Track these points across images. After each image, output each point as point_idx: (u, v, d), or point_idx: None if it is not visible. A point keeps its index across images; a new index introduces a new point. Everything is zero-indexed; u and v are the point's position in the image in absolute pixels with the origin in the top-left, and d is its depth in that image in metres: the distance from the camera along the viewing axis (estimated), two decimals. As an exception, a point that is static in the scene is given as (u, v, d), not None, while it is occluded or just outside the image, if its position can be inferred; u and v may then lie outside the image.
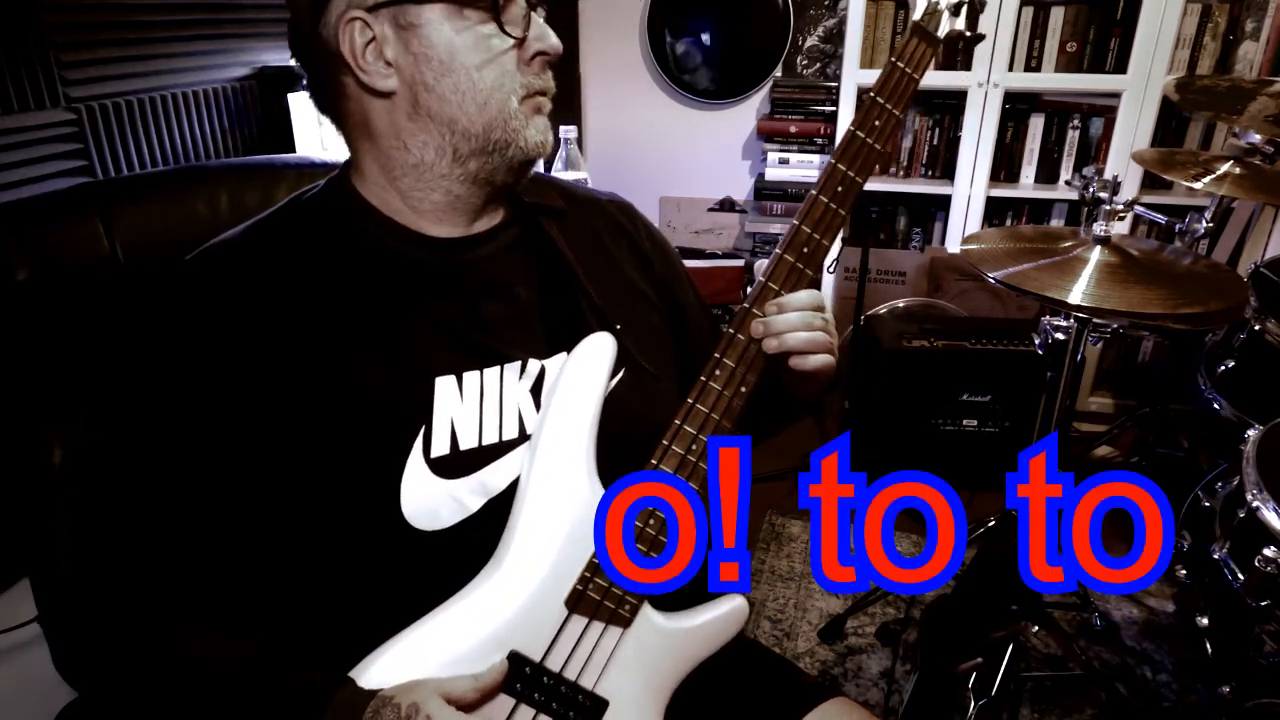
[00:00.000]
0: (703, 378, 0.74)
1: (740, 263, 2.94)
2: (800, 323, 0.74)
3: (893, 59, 0.75)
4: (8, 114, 1.31)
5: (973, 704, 1.45)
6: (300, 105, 1.79)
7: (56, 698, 0.93)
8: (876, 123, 0.74)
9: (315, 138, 1.83)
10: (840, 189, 0.74)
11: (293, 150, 1.80)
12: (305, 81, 0.79)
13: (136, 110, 1.53)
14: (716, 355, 0.74)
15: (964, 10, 0.77)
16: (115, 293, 0.90)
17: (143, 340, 0.75)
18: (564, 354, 0.79)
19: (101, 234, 0.90)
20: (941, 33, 0.76)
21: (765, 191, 2.85)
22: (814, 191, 0.74)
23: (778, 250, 0.75)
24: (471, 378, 0.75)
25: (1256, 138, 1.85)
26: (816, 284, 0.77)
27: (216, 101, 1.72)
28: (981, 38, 0.80)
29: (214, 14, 1.71)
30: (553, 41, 0.76)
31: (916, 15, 0.76)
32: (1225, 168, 1.68)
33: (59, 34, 1.37)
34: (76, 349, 0.89)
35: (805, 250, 0.74)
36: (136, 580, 0.71)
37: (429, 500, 0.72)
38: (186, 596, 0.71)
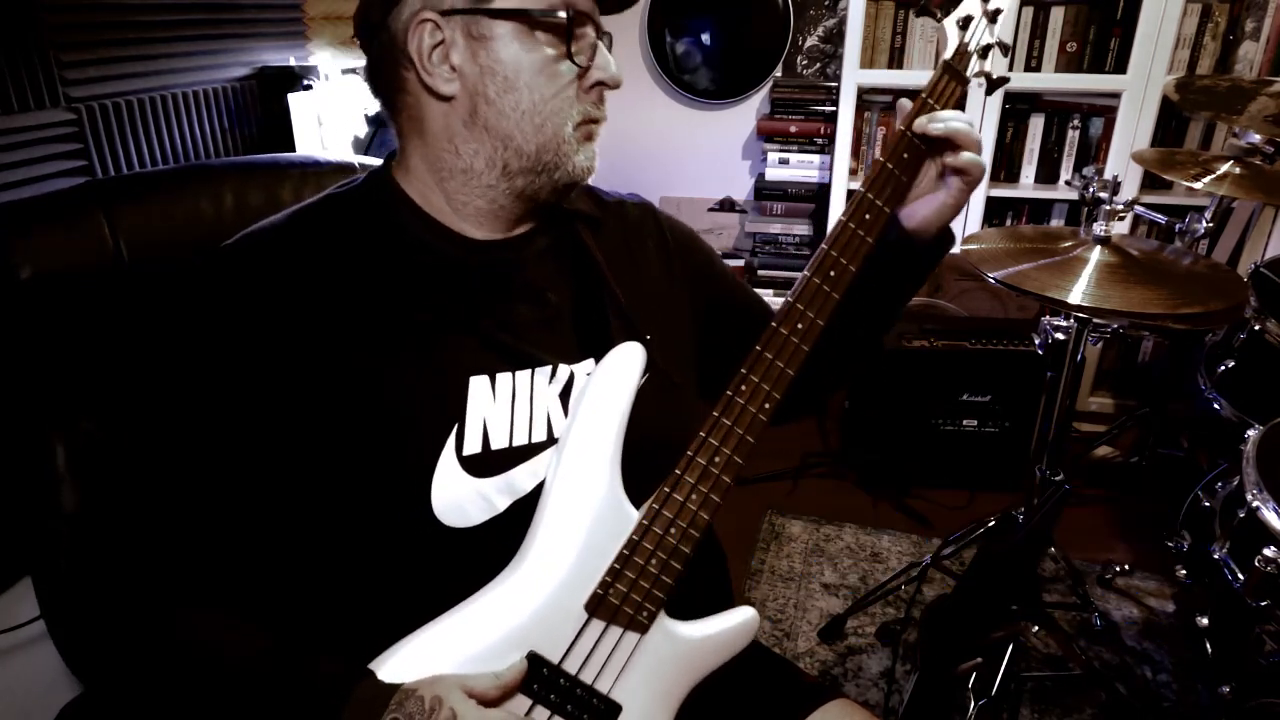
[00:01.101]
0: (729, 392, 0.74)
1: (740, 263, 2.94)
2: (957, 119, 0.78)
3: (923, 95, 0.79)
4: (8, 114, 1.31)
5: (973, 704, 1.45)
6: (300, 105, 1.79)
7: (58, 697, 0.93)
8: (905, 155, 0.79)
9: (315, 138, 1.82)
10: (868, 217, 0.77)
11: (293, 150, 1.80)
12: (364, 65, 0.79)
13: (136, 110, 1.53)
14: (743, 371, 0.75)
15: (991, 54, 0.81)
16: (132, 288, 0.90)
17: (175, 332, 0.75)
18: (593, 361, 0.79)
19: (106, 233, 0.90)
20: (970, 73, 0.81)
21: (765, 191, 2.84)
22: (843, 218, 0.77)
23: (805, 273, 0.77)
24: (504, 379, 0.76)
25: (1256, 138, 1.86)
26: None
27: (216, 101, 1.72)
28: (1006, 80, 0.85)
29: (214, 14, 1.71)
30: (614, 73, 0.78)
31: (948, 55, 0.81)
32: (1225, 168, 1.68)
33: (59, 34, 1.37)
34: (82, 347, 0.89)
35: (831, 274, 0.76)
36: (149, 572, 0.71)
37: (459, 497, 0.72)
38: (202, 588, 0.71)
